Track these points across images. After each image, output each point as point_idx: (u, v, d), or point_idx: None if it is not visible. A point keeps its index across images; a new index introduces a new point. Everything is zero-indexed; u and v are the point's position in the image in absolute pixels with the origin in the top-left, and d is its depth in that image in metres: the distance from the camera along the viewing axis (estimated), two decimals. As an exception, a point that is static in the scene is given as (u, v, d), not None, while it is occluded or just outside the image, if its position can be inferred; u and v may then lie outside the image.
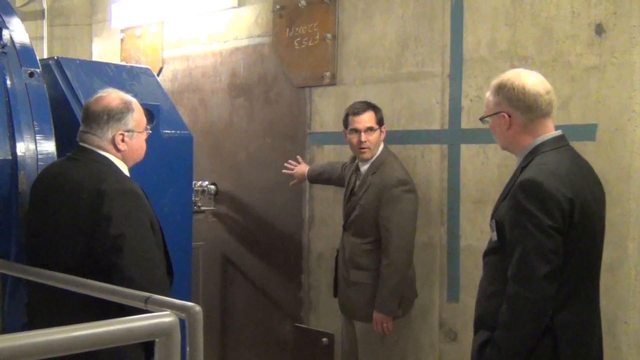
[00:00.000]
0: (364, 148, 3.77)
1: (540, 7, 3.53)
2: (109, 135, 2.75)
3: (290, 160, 4.52)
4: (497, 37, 3.69)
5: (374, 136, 3.77)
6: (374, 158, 3.81)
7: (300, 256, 4.71)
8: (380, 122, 3.81)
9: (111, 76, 3.71)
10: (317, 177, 4.36)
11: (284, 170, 4.52)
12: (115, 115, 2.75)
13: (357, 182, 3.85)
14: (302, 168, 4.44)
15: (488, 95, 2.61)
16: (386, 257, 3.65)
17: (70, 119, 3.31)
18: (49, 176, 2.78)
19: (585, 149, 3.31)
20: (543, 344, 2.39)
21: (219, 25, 5.26)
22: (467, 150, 3.83)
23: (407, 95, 4.08)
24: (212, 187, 5.20)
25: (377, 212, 3.70)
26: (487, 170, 3.73)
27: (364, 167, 3.83)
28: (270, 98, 4.91)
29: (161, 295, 2.17)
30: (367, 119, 3.77)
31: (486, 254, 2.63)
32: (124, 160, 2.81)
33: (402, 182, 3.69)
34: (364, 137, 3.74)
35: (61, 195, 2.68)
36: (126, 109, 2.78)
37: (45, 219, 2.71)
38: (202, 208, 5.12)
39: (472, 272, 3.68)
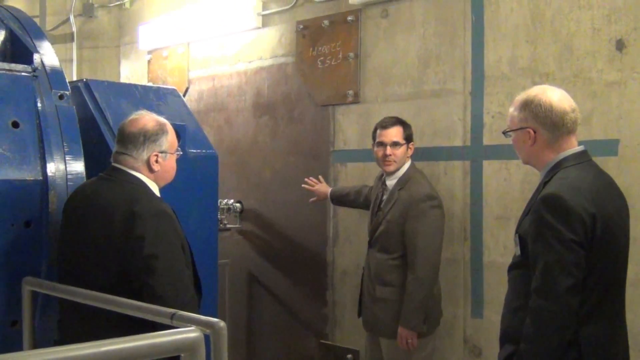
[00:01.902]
0: (388, 161, 3.80)
1: (560, 24, 3.56)
2: (145, 156, 2.80)
3: (311, 177, 4.55)
4: (517, 54, 3.72)
5: (399, 151, 3.80)
6: (402, 174, 3.83)
7: (325, 273, 4.74)
8: (408, 138, 3.85)
9: (138, 97, 3.78)
10: (342, 198, 4.37)
11: (303, 185, 4.55)
12: (151, 137, 2.80)
13: (384, 198, 3.87)
14: (324, 187, 4.47)
15: (512, 110, 2.62)
16: (412, 272, 3.65)
17: (99, 140, 3.38)
18: (83, 196, 2.84)
19: (607, 164, 3.31)
20: (568, 358, 2.39)
21: (244, 45, 5.35)
22: (489, 167, 3.85)
23: (430, 112, 4.12)
24: (238, 205, 5.25)
25: (403, 227, 3.71)
26: (510, 186, 3.75)
27: (390, 182, 3.85)
28: (294, 117, 4.97)
29: None
30: (394, 133, 3.81)
31: (510, 268, 2.64)
32: (155, 181, 2.86)
33: (429, 197, 3.71)
34: (389, 150, 3.78)
35: (95, 216, 2.73)
36: (161, 130, 2.84)
37: (79, 238, 2.77)
38: (228, 226, 5.18)
39: (496, 287, 3.68)
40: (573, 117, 2.52)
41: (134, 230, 2.60)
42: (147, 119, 2.85)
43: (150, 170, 2.83)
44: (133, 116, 2.87)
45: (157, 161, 2.82)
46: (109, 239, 2.65)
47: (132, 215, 2.62)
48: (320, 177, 4.55)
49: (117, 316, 2.48)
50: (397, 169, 3.83)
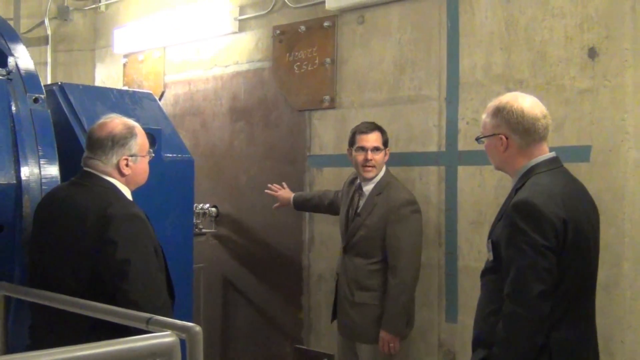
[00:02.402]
0: (368, 166, 3.80)
1: (534, 32, 3.60)
2: (114, 160, 2.79)
3: (274, 184, 4.56)
4: (492, 61, 3.76)
5: (379, 156, 3.82)
6: (379, 179, 3.84)
7: (301, 277, 4.74)
8: (385, 143, 3.87)
9: (114, 101, 3.77)
10: (305, 203, 4.39)
11: (266, 191, 4.55)
12: (119, 141, 2.79)
13: (361, 203, 3.88)
14: (287, 193, 4.47)
15: (485, 117, 2.66)
16: (395, 276, 3.66)
17: (74, 144, 3.36)
18: (54, 200, 2.82)
19: (579, 170, 3.36)
20: (540, 362, 2.42)
21: (220, 50, 5.35)
22: (464, 172, 3.88)
23: (405, 118, 4.15)
24: (213, 209, 5.25)
25: (383, 232, 3.72)
26: (484, 191, 3.78)
27: (367, 187, 3.86)
28: (270, 122, 4.97)
29: None
30: (374, 138, 3.83)
31: (483, 274, 2.67)
32: (127, 184, 2.85)
33: (410, 202, 3.75)
34: (370, 155, 3.79)
35: (67, 220, 2.71)
36: (130, 134, 2.82)
37: (50, 243, 2.75)
38: (203, 230, 5.17)
39: (470, 292, 3.71)
40: (544, 123, 2.56)
41: (107, 234, 2.59)
42: (116, 123, 2.83)
43: (121, 174, 2.81)
44: (102, 120, 2.86)
45: (127, 165, 2.81)
46: (81, 243, 2.64)
47: (104, 219, 2.61)
48: (283, 183, 4.56)
49: (90, 321, 2.47)
50: (376, 176, 3.84)
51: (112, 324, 2.37)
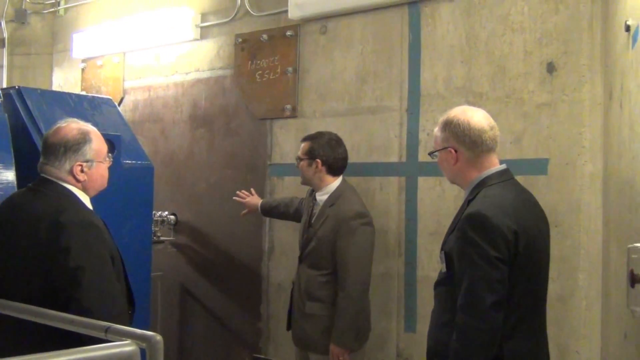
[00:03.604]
0: None
1: (494, 46, 3.66)
2: (67, 166, 2.72)
3: (243, 190, 4.50)
4: (453, 74, 3.81)
5: (301, 164, 3.87)
6: (333, 190, 3.82)
7: (260, 286, 4.72)
8: (309, 153, 3.85)
9: (72, 106, 3.73)
10: (271, 210, 4.35)
11: (234, 198, 4.49)
12: (72, 147, 2.72)
13: (315, 213, 3.86)
14: (255, 200, 4.43)
15: (436, 131, 2.70)
16: (342, 289, 3.64)
17: (31, 149, 3.31)
18: (9, 207, 2.76)
19: (537, 183, 3.42)
20: (493, 373, 2.45)
21: (181, 56, 5.31)
22: (424, 183, 3.92)
23: (366, 129, 4.17)
24: (172, 217, 5.20)
25: (333, 244, 3.69)
26: (444, 202, 3.82)
27: (321, 198, 3.84)
28: (231, 130, 4.95)
29: None
30: (301, 147, 3.90)
31: (437, 285, 2.69)
32: (84, 190, 2.78)
33: (359, 215, 3.71)
34: (299, 164, 3.87)
35: (20, 227, 2.65)
36: (83, 139, 2.74)
37: (3, 250, 2.69)
38: (162, 238, 5.12)
39: (429, 302, 3.68)
40: (492, 135, 2.59)
41: (59, 241, 2.53)
42: (70, 128, 2.76)
43: (77, 180, 2.74)
44: (57, 125, 2.79)
45: (82, 171, 2.74)
46: (33, 250, 2.58)
47: (57, 226, 2.55)
48: (252, 189, 4.53)
49: (44, 330, 2.41)
50: (331, 188, 3.82)
51: (66, 333, 2.32)
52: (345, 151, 3.87)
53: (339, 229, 3.68)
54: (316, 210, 3.86)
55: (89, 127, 2.83)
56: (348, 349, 3.64)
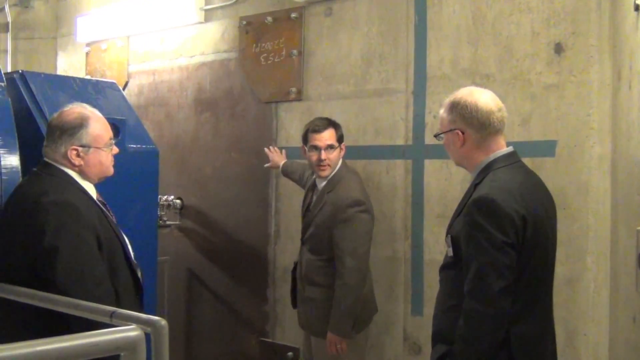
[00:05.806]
0: (323, 166, 3.71)
1: (501, 27, 3.62)
2: (62, 149, 2.69)
3: (274, 147, 4.54)
4: (459, 55, 3.77)
5: (334, 154, 3.72)
6: (332, 175, 3.75)
7: (266, 270, 4.72)
8: (340, 139, 3.77)
9: (76, 90, 3.70)
10: (289, 175, 4.35)
11: (264, 148, 4.53)
12: (67, 130, 2.69)
13: (314, 199, 3.82)
14: (279, 158, 4.45)
15: (442, 112, 2.66)
16: (340, 278, 3.59)
17: (35, 133, 3.29)
18: (14, 191, 2.76)
19: (545, 165, 3.40)
20: (500, 357, 2.43)
21: (186, 40, 5.28)
22: (430, 166, 3.89)
23: (372, 111, 4.14)
24: (178, 201, 5.19)
25: (331, 230, 3.64)
26: (450, 185, 3.80)
27: (321, 184, 3.79)
28: (236, 113, 4.93)
29: None
30: (327, 136, 3.72)
31: (442, 268, 2.67)
32: (82, 175, 2.74)
33: (357, 203, 3.63)
34: (324, 155, 3.69)
35: (10, 209, 2.67)
36: (79, 124, 2.71)
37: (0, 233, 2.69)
38: (168, 222, 5.12)
39: (436, 285, 3.65)
40: (500, 117, 2.55)
41: (35, 222, 2.51)
42: (70, 112, 2.74)
43: (72, 164, 2.71)
44: (63, 108, 2.78)
45: (78, 155, 2.70)
46: (17, 233, 2.57)
47: (37, 207, 2.53)
48: (283, 150, 4.52)
49: (30, 313, 2.41)
50: (331, 173, 3.76)
51: (57, 318, 2.31)
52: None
53: (336, 216, 3.63)
54: (315, 196, 3.83)
55: (92, 112, 2.79)
56: (345, 338, 3.61)
